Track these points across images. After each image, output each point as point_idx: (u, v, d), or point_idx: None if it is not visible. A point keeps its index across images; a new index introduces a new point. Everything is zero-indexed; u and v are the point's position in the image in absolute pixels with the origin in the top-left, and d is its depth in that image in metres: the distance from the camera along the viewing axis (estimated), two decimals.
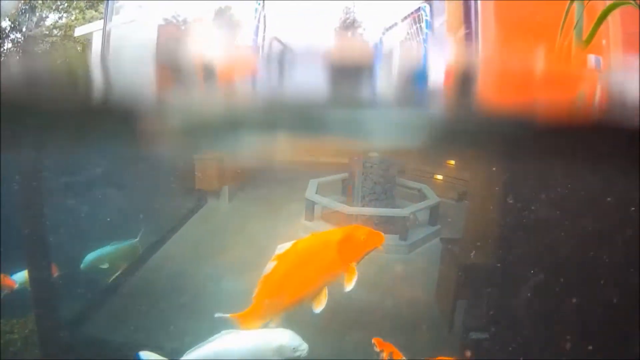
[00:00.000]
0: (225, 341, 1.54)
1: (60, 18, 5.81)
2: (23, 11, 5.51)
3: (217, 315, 1.48)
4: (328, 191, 2.78)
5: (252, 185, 2.66)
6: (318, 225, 2.77)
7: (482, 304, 2.13)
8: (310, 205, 2.70)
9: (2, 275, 1.83)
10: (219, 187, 2.71)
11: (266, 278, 1.42)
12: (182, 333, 1.99)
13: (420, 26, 3.61)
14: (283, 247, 1.44)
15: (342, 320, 1.74)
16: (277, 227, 2.50)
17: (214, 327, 2.02)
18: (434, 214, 3.12)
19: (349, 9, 5.29)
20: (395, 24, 3.87)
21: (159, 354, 1.92)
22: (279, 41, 5.29)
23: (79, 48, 5.62)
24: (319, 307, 1.38)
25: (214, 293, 2.17)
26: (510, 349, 1.89)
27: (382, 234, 1.44)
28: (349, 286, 1.38)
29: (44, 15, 5.78)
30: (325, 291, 1.41)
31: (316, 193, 2.68)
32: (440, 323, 2.00)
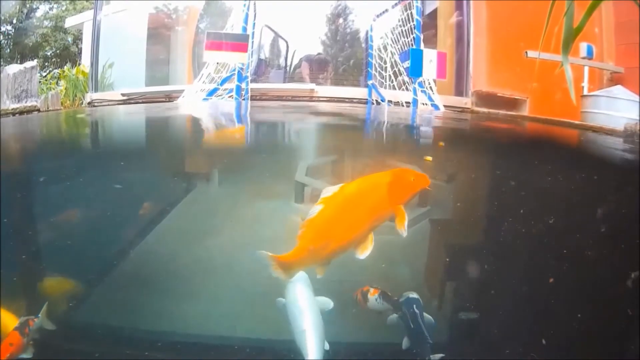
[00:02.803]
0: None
1: (50, 9, 5.78)
2: (13, 3, 5.47)
3: (257, 252, 1.30)
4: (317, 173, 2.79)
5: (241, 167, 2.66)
6: (309, 207, 2.75)
7: (470, 285, 2.14)
8: (300, 188, 2.70)
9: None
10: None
11: (311, 222, 1.27)
12: (173, 315, 1.99)
13: (411, 13, 3.61)
14: (330, 190, 1.29)
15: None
16: (267, 209, 2.50)
17: (207, 312, 2.02)
18: (424, 196, 3.11)
19: None
20: (386, 10, 3.87)
21: (150, 336, 1.92)
22: (270, 29, 5.29)
23: (69, 39, 5.58)
24: (364, 252, 1.26)
25: (204, 275, 2.16)
26: (498, 333, 1.90)
27: (427, 175, 1.35)
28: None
29: (34, 7, 5.73)
30: (372, 237, 1.29)
31: (306, 175, 2.68)
32: (428, 303, 2.00)
